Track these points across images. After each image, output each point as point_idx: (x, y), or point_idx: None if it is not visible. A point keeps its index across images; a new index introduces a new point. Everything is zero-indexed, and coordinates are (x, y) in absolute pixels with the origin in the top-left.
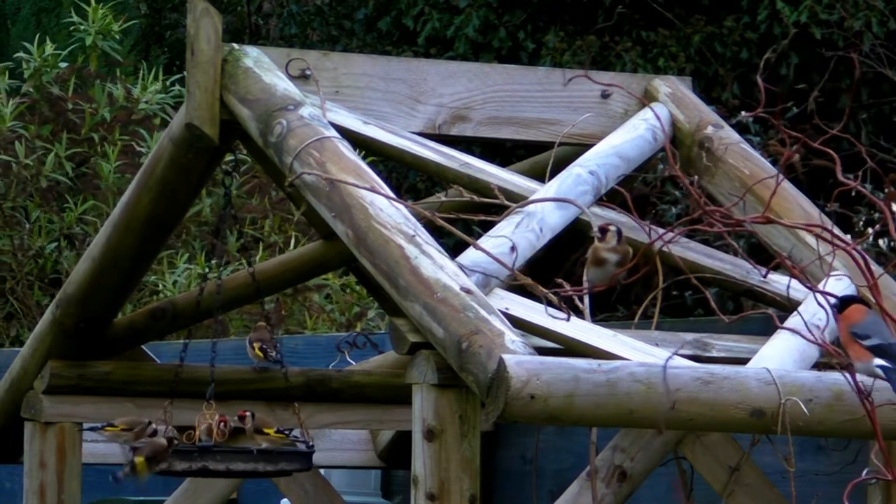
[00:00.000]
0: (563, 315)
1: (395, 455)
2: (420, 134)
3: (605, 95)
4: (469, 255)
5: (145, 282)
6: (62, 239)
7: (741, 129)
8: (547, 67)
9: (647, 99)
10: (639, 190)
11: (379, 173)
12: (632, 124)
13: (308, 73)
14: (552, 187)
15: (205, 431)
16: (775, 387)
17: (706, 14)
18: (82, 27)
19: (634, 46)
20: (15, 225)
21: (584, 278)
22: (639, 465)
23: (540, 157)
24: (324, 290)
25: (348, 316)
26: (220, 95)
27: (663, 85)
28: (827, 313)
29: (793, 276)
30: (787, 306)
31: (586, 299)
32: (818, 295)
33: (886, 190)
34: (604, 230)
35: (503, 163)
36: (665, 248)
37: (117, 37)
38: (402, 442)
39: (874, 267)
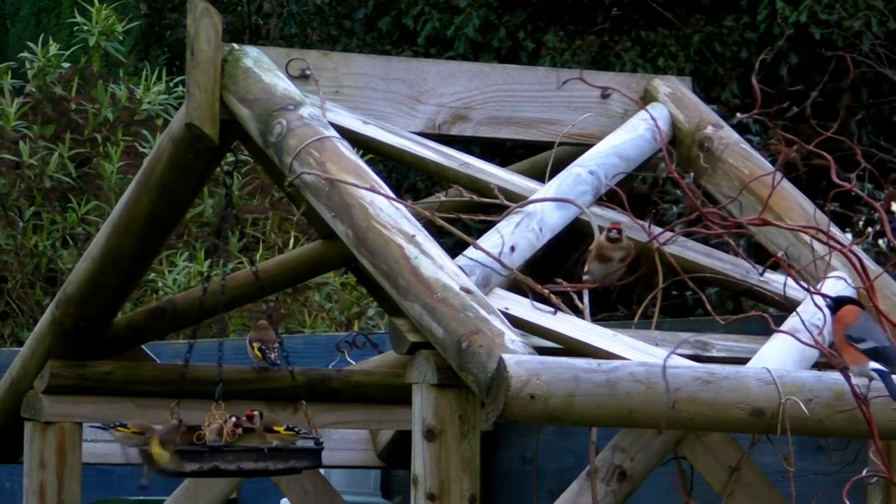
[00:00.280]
0: (550, 309)
1: (395, 455)
2: (420, 134)
3: (604, 95)
4: (469, 255)
5: (145, 280)
6: (65, 239)
7: (741, 129)
8: (547, 67)
9: (646, 99)
10: (639, 189)
11: (379, 173)
12: (631, 124)
13: (308, 73)
14: (552, 187)
15: (214, 432)
16: (775, 387)
17: (706, 14)
18: (86, 28)
19: (634, 46)
20: (14, 224)
21: (584, 273)
22: (639, 465)
23: (540, 157)
24: (324, 288)
25: (348, 315)
26: (220, 95)
27: (663, 85)
28: (824, 315)
29: (789, 275)
30: (787, 306)
31: (586, 299)
32: (813, 296)
33: (886, 190)
34: (617, 230)
35: (503, 163)
36: (664, 248)
37: (120, 37)
38: (402, 442)
39: (873, 267)
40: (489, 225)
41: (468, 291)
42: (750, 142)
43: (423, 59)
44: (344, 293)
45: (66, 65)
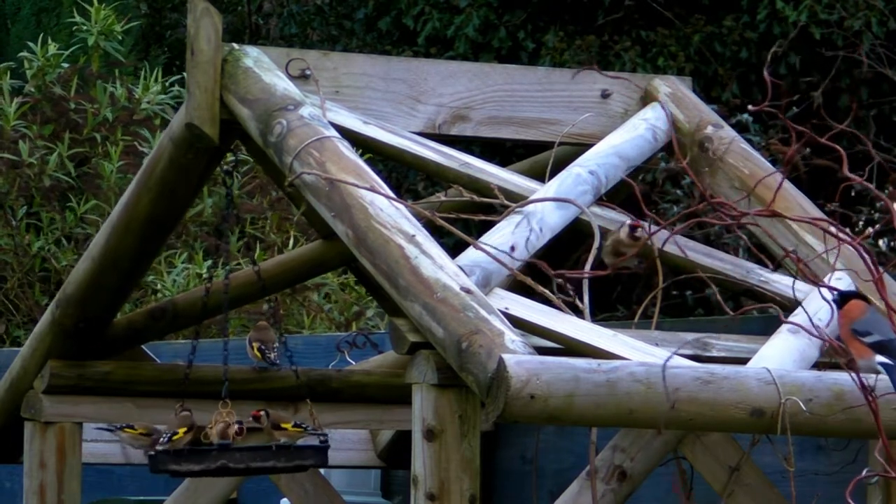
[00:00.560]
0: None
1: (395, 455)
2: (420, 134)
3: (605, 95)
4: (469, 255)
5: (144, 281)
6: (62, 238)
7: (741, 128)
8: (547, 67)
9: (647, 99)
10: (639, 189)
11: (379, 173)
12: (632, 124)
13: (308, 73)
14: (552, 187)
15: (218, 433)
16: (775, 387)
17: (706, 14)
18: (84, 27)
19: (634, 46)
20: (11, 224)
21: (589, 266)
22: (639, 465)
23: (540, 156)
24: (322, 288)
25: (347, 315)
26: (220, 95)
27: (663, 85)
28: (831, 307)
29: (798, 270)
30: (787, 306)
31: (586, 299)
32: (821, 289)
33: (888, 189)
34: (634, 228)
35: (503, 163)
36: (665, 246)
37: (119, 37)
38: (402, 442)
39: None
40: (489, 225)
41: (468, 291)
42: (750, 142)
43: (423, 59)
44: (343, 294)
45: (66, 65)
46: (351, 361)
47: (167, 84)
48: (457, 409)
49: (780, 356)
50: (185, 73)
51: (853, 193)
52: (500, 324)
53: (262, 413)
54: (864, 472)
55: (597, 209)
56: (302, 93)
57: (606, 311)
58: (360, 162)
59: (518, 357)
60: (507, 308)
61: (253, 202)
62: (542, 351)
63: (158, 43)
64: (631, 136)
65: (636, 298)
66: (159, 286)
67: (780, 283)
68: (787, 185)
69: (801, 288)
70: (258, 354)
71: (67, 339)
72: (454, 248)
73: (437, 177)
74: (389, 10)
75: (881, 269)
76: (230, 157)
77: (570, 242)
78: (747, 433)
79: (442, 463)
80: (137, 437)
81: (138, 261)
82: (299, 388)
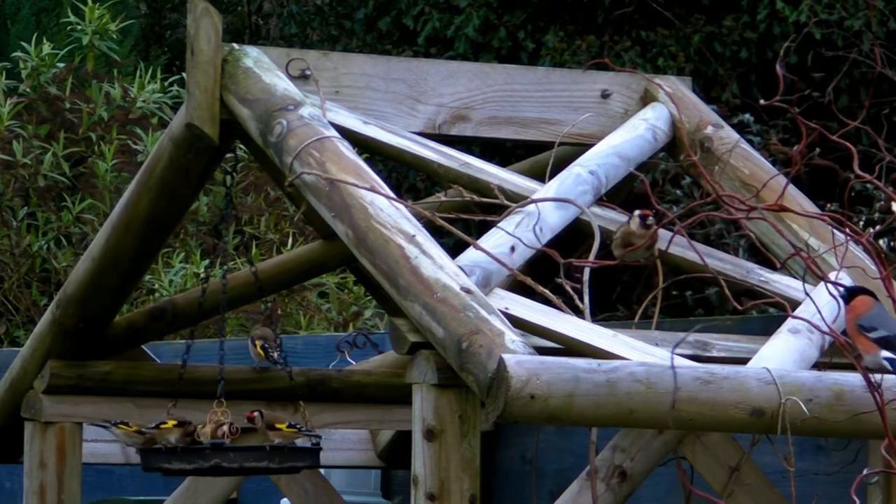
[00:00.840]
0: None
1: (395, 455)
2: (420, 134)
3: (605, 95)
4: (469, 255)
5: (141, 281)
6: (60, 238)
7: (742, 128)
8: (547, 67)
9: (646, 99)
10: (640, 189)
11: (379, 173)
12: (632, 124)
13: (308, 73)
14: (552, 187)
15: (209, 431)
16: (775, 387)
17: (706, 14)
18: (79, 27)
19: (634, 46)
20: (8, 225)
21: (586, 275)
22: (639, 465)
23: (540, 156)
24: (318, 289)
25: (345, 316)
26: (220, 95)
27: (663, 85)
28: (838, 303)
29: (807, 266)
30: (787, 307)
31: (586, 299)
32: (829, 285)
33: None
34: (644, 217)
35: (503, 163)
36: (672, 240)
37: (115, 36)
38: (402, 442)
39: (873, 267)
40: (489, 225)
41: (468, 291)
42: (750, 142)
43: (423, 59)
44: (342, 293)
45: (62, 65)
46: (351, 361)
47: (165, 83)
48: (457, 409)
49: (780, 356)
50: (184, 73)
51: (853, 194)
52: (500, 324)
53: (257, 414)
54: (865, 471)
55: (597, 209)
56: (302, 93)
57: (606, 311)
58: (360, 162)
59: (518, 357)
60: (507, 308)
61: (248, 199)
62: (542, 351)
63: (158, 43)
64: (631, 136)
65: (636, 298)
66: (156, 286)
67: (781, 283)
68: (789, 185)
69: (800, 287)
70: (261, 353)
71: (67, 339)
72: (454, 248)
73: (437, 177)
74: (389, 10)
75: (883, 269)
76: (230, 158)
77: (570, 242)
78: (747, 433)
79: (442, 463)
80: (131, 434)
81: (138, 261)
82: (295, 389)
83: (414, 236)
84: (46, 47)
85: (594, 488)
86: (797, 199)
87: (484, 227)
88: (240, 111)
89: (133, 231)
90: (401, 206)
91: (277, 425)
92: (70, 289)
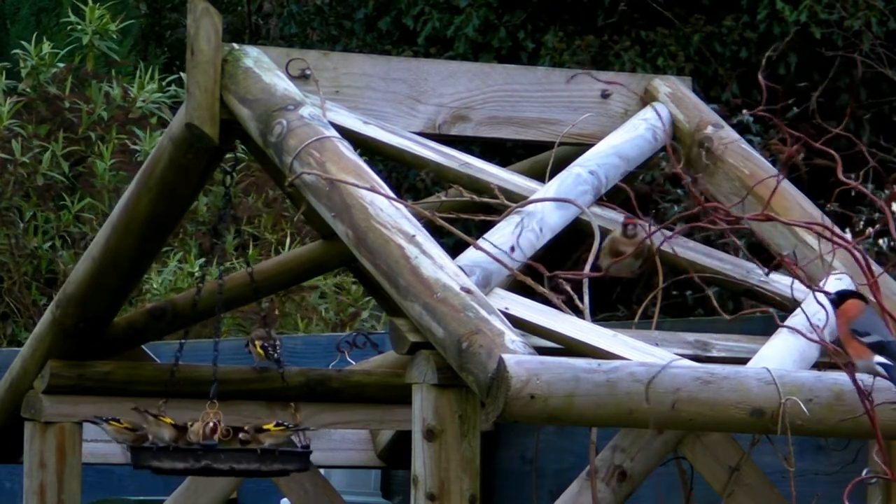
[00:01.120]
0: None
1: (395, 455)
2: (420, 134)
3: (605, 95)
4: (469, 255)
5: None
6: (58, 238)
7: (741, 128)
8: (547, 67)
9: (646, 99)
10: (640, 189)
11: (379, 173)
12: (632, 124)
13: (308, 73)
14: (552, 187)
15: (194, 432)
16: (775, 387)
17: (706, 13)
18: (79, 27)
19: (634, 46)
20: (10, 224)
21: (589, 266)
22: (639, 465)
23: (540, 157)
24: (315, 292)
25: (343, 317)
26: (220, 95)
27: (663, 85)
28: (826, 312)
29: (793, 274)
30: (787, 306)
31: (586, 299)
32: (816, 294)
33: (888, 190)
34: (633, 225)
35: (503, 163)
36: (665, 246)
37: (115, 36)
38: (402, 442)
39: (874, 266)
40: (489, 225)
41: (468, 291)
42: (750, 142)
43: (423, 59)
44: (339, 294)
45: (62, 64)
46: (351, 361)
47: (164, 83)
48: (457, 409)
49: (780, 356)
50: (184, 73)
51: (853, 194)
52: (500, 324)
53: (243, 435)
54: (864, 473)
55: (597, 209)
56: (302, 93)
57: (606, 311)
58: (360, 162)
59: (518, 357)
60: (507, 308)
61: (249, 199)
62: (542, 351)
63: (158, 43)
64: (631, 136)
65: (636, 298)
66: (146, 287)
67: (781, 282)
68: (787, 185)
69: (802, 288)
70: (261, 352)
71: (67, 339)
72: (454, 248)
73: (437, 177)
74: (389, 10)
75: (881, 269)
76: (230, 157)
77: (570, 242)
78: (747, 433)
79: (442, 463)
80: (122, 430)
81: (138, 261)
82: (290, 390)
83: (414, 236)
84: (46, 47)
85: (594, 488)
86: (797, 199)
87: (484, 227)
88: (240, 111)
89: (133, 231)
90: (401, 206)
91: (265, 427)
92: (70, 289)
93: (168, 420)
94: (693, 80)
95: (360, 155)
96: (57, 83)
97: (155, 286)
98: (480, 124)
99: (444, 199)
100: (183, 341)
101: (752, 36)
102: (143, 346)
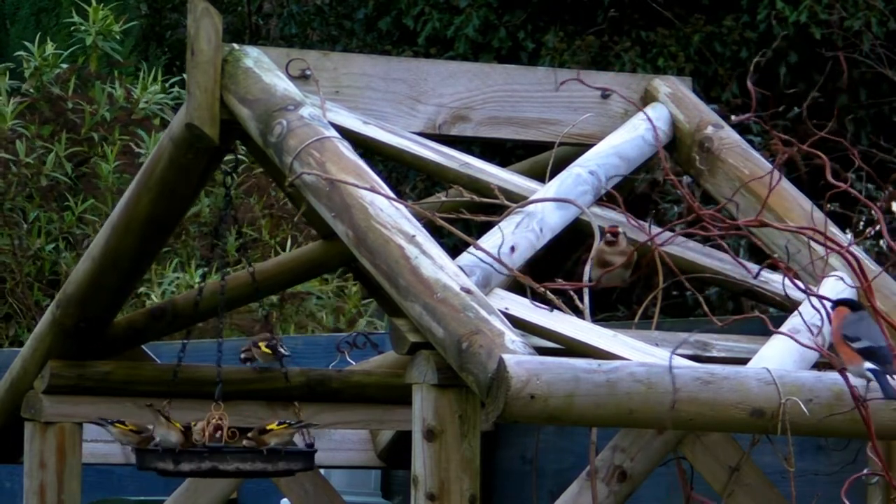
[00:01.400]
0: (547, 308)
1: (395, 455)
2: (420, 134)
3: (604, 96)
4: (469, 255)
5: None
6: (61, 239)
7: (742, 129)
8: (547, 67)
9: (647, 99)
10: (640, 189)
11: (379, 173)
12: (632, 124)
13: (308, 73)
14: (552, 187)
15: (197, 431)
16: (775, 387)
17: (706, 13)
18: (83, 27)
19: (634, 46)
20: (13, 225)
21: (586, 276)
22: (639, 465)
23: (540, 157)
24: (309, 298)
25: (340, 325)
26: (220, 95)
27: (663, 85)
28: (821, 316)
29: (787, 277)
30: (787, 306)
31: (586, 299)
32: (810, 298)
33: (886, 191)
34: (613, 234)
35: (503, 163)
36: (662, 249)
37: (118, 37)
38: (402, 442)
39: (872, 266)
40: (489, 225)
41: (468, 291)
42: (751, 142)
43: (423, 59)
44: (338, 299)
45: (65, 65)
46: (351, 361)
47: (167, 84)
48: (457, 409)
49: (780, 356)
50: (185, 74)
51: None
52: (500, 324)
53: (246, 443)
54: (864, 472)
55: (597, 209)
56: (302, 93)
57: (606, 311)
58: (360, 162)
59: (518, 357)
60: (507, 308)
61: (251, 201)
62: (542, 351)
63: (158, 43)
64: (631, 137)
65: (636, 298)
66: (152, 296)
67: (780, 283)
68: (787, 184)
69: (799, 287)
70: (268, 351)
71: (67, 339)
72: (454, 249)
73: (437, 177)
74: (389, 10)
75: (881, 269)
76: (230, 158)
77: (570, 242)
78: (747, 433)
79: (442, 463)
80: (127, 433)
81: (138, 261)
82: (290, 390)
83: (414, 236)
84: (49, 47)
85: (594, 488)
86: (797, 199)
87: (484, 228)
88: (240, 111)
89: (133, 231)
90: (401, 206)
91: (268, 427)
92: (70, 289)
93: (178, 425)
94: (693, 80)
95: (361, 155)
96: (60, 84)
97: (154, 298)
98: (480, 124)
99: (444, 199)
100: (185, 342)
101: (752, 36)
102: (143, 346)
